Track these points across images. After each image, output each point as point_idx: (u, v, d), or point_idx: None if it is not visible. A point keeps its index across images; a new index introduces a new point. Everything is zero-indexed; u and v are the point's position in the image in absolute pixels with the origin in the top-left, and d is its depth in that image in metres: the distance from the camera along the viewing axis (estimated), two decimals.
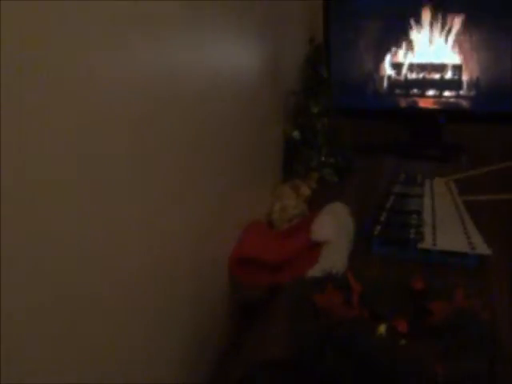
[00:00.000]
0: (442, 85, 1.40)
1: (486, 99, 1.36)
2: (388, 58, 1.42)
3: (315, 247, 0.93)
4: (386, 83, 1.45)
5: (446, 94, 1.41)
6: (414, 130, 1.46)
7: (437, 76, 1.40)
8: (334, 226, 0.97)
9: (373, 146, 1.45)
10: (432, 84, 1.41)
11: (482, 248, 0.90)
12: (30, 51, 0.38)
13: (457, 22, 1.33)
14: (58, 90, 0.42)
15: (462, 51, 1.35)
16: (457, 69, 1.37)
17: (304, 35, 1.35)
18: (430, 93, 1.42)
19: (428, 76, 1.41)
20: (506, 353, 0.60)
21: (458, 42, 1.35)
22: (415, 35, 1.38)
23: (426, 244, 0.92)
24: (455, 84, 1.38)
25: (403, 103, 1.45)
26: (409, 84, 1.43)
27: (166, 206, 0.63)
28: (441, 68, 1.39)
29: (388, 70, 1.43)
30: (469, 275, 0.86)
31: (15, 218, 0.37)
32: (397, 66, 1.43)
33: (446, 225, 0.99)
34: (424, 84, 1.42)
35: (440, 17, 1.34)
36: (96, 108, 0.47)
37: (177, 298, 0.68)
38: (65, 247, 0.44)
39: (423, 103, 1.43)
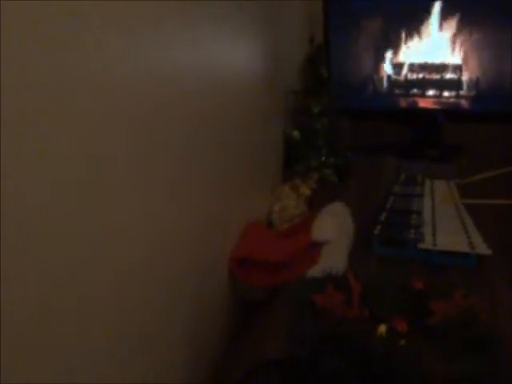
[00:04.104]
0: (442, 85, 1.40)
1: (486, 99, 1.36)
2: (388, 58, 1.42)
3: (315, 247, 0.93)
4: (385, 83, 1.45)
5: (446, 94, 1.41)
6: (414, 130, 1.46)
7: (437, 76, 1.40)
8: (333, 226, 0.97)
9: (373, 146, 1.45)
10: (432, 84, 1.41)
11: (482, 248, 0.90)
12: (30, 51, 0.38)
13: (457, 22, 1.33)
14: (57, 90, 0.42)
15: (461, 51, 1.35)
16: (457, 69, 1.37)
17: (304, 35, 1.35)
18: (430, 93, 1.42)
19: (428, 76, 1.41)
20: (506, 353, 0.60)
21: (458, 42, 1.35)
22: (415, 35, 1.38)
23: (426, 244, 0.93)
24: (455, 84, 1.38)
25: (403, 103, 1.45)
26: (409, 84, 1.43)
27: (166, 205, 0.63)
28: (441, 68, 1.39)
29: (388, 70, 1.43)
30: (469, 275, 0.86)
31: (14, 217, 0.37)
32: (397, 66, 1.42)
33: (446, 225, 0.99)
34: (424, 84, 1.42)
35: (440, 16, 1.34)
36: (96, 107, 0.47)
37: (176, 298, 0.68)
38: (65, 245, 0.44)
39: (423, 103, 1.43)
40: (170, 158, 0.63)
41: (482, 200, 1.08)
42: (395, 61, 1.42)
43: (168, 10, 0.61)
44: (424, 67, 1.41)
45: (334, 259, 0.89)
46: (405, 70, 1.42)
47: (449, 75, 1.39)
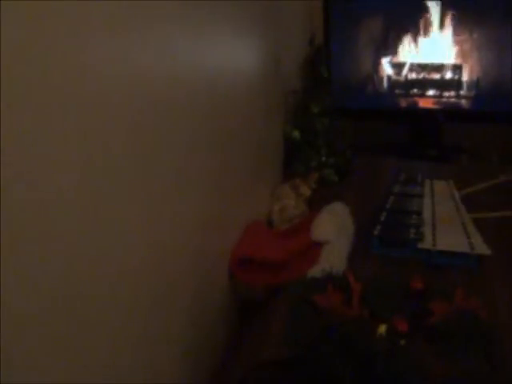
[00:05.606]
0: (442, 85, 1.40)
1: (486, 99, 1.36)
2: (388, 58, 1.42)
3: (315, 247, 0.93)
4: (386, 83, 1.45)
5: (446, 94, 1.41)
6: (414, 129, 1.46)
7: (437, 76, 1.40)
8: (334, 226, 0.97)
9: (373, 146, 1.45)
10: (432, 84, 1.41)
11: (482, 248, 0.90)
12: (29, 52, 0.38)
13: (457, 22, 1.33)
14: (56, 91, 0.42)
15: (462, 51, 1.35)
16: (457, 69, 1.37)
17: (304, 35, 1.35)
18: (430, 93, 1.42)
19: (428, 76, 1.41)
20: (505, 353, 0.60)
21: (458, 42, 1.35)
22: (415, 35, 1.38)
23: (426, 244, 0.92)
24: (455, 84, 1.38)
25: (403, 103, 1.45)
26: (409, 84, 1.43)
27: (167, 205, 0.63)
28: (441, 68, 1.39)
29: (388, 70, 1.43)
30: (469, 275, 0.86)
31: (16, 216, 0.37)
32: (397, 66, 1.42)
33: (446, 225, 0.99)
34: (424, 84, 1.42)
35: (440, 16, 1.34)
36: (96, 107, 0.47)
37: (176, 298, 0.68)
38: (67, 242, 0.44)
39: (423, 103, 1.43)
40: (169, 159, 0.63)
41: (485, 213, 1.06)
42: (395, 61, 1.42)
43: (168, 10, 0.61)
44: (424, 67, 1.41)
45: (333, 259, 0.89)
46: (405, 70, 1.42)
47: (449, 75, 1.39)
